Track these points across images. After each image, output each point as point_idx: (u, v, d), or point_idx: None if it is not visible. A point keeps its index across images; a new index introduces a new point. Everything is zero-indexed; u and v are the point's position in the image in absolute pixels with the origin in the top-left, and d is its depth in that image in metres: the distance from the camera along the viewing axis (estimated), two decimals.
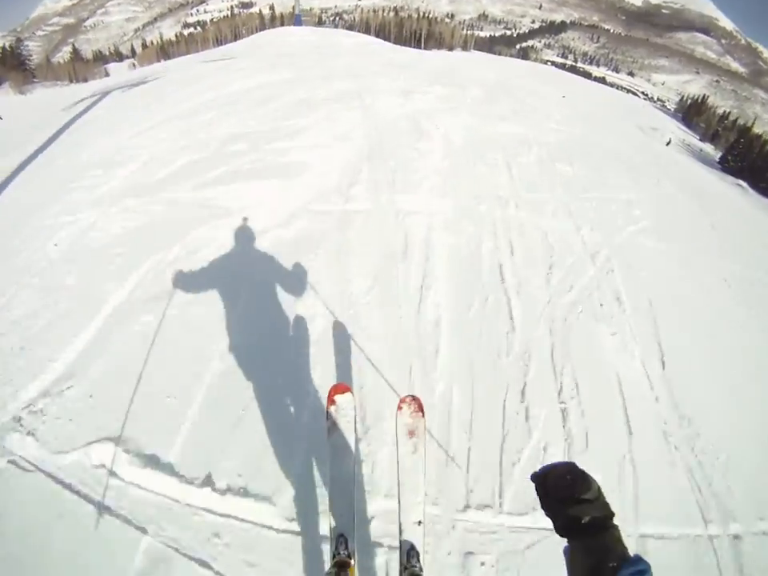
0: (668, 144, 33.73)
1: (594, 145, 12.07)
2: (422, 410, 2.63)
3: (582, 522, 1.08)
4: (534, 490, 1.20)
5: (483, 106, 12.70)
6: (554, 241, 6.57)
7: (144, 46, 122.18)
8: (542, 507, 1.18)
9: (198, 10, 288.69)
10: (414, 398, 2.63)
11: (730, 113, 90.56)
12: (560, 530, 1.14)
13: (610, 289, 5.73)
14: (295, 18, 28.49)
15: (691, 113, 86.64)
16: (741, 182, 36.79)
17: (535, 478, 1.21)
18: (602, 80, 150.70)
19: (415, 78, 13.63)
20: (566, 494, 1.12)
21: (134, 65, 70.49)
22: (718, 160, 53.72)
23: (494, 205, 7.27)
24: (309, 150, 8.20)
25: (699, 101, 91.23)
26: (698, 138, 70.21)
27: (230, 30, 79.55)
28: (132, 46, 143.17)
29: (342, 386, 2.67)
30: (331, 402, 2.62)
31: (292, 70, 12.61)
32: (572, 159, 10.19)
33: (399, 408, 2.62)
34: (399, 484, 2.47)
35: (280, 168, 7.42)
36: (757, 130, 68.71)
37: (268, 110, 10.18)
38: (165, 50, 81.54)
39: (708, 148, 62.78)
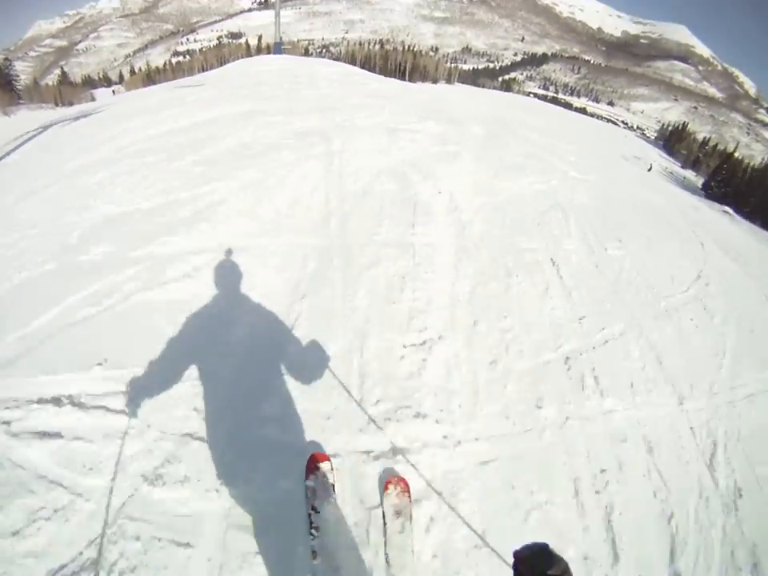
0: (649, 170, 33.67)
1: (621, 200, 9.70)
2: (409, 491, 2.73)
3: None
4: (512, 566, 1.36)
5: (490, 150, 9.41)
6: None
7: (132, 72, 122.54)
8: None
9: (187, 39, 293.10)
10: (401, 479, 2.75)
11: (710, 138, 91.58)
12: None
13: None
14: (275, 47, 27.78)
15: (672, 140, 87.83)
16: (726, 208, 35.39)
17: (515, 555, 1.37)
18: (582, 110, 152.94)
19: (402, 112, 10.73)
20: (538, 570, 1.28)
21: (113, 92, 70.09)
22: (701, 187, 54.09)
23: (565, 408, 4.01)
24: (198, 266, 4.45)
25: (680, 128, 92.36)
26: (679, 164, 71.23)
27: (216, 59, 79.61)
28: (120, 72, 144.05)
29: (321, 455, 2.75)
30: (311, 470, 2.67)
31: (252, 102, 9.86)
32: (617, 234, 7.44)
33: (386, 488, 2.70)
34: (389, 565, 2.48)
35: (122, 328, 3.71)
36: (737, 154, 69.62)
37: (184, 164, 6.61)
38: (151, 77, 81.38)
39: (690, 175, 63.51)
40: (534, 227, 6.72)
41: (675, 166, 66.63)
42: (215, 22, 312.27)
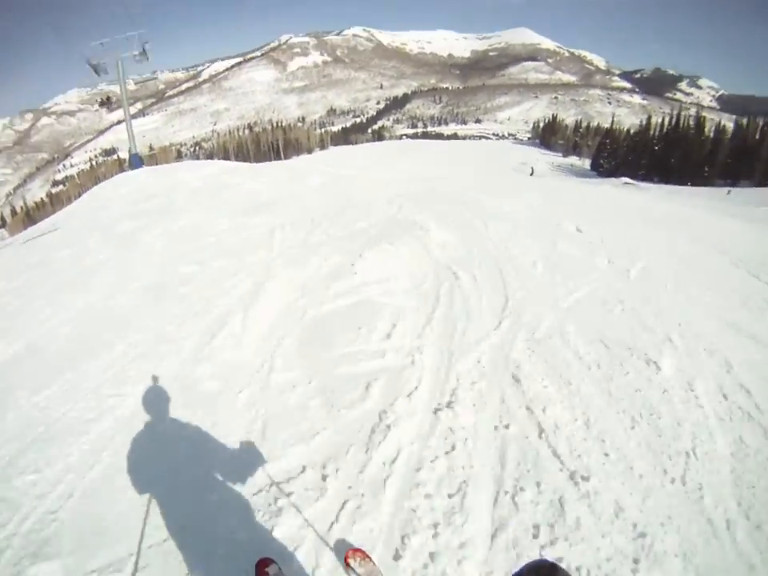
0: (531, 174, 34.69)
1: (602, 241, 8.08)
2: (369, 556, 2.65)
3: None
4: None
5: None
6: None
7: (13, 213, 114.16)
8: None
9: (64, 165, 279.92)
10: (356, 550, 2.68)
11: (580, 120, 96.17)
12: None
13: None
14: (131, 160, 24.39)
15: (546, 135, 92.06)
16: (625, 179, 37.90)
17: (520, 571, 1.32)
18: (453, 136, 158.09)
19: (293, 224, 8.53)
20: None
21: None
22: (590, 168, 56.85)
23: None
24: None
25: (550, 121, 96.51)
26: (561, 155, 74.63)
27: (91, 182, 76.77)
28: (1, 214, 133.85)
29: (268, 560, 2.69)
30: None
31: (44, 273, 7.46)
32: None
33: (347, 564, 2.61)
34: None
35: None
36: (605, 124, 73.30)
37: None
38: (31, 216, 76.75)
39: (574, 160, 66.66)
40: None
41: (558, 158, 69.54)
42: (87, 141, 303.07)
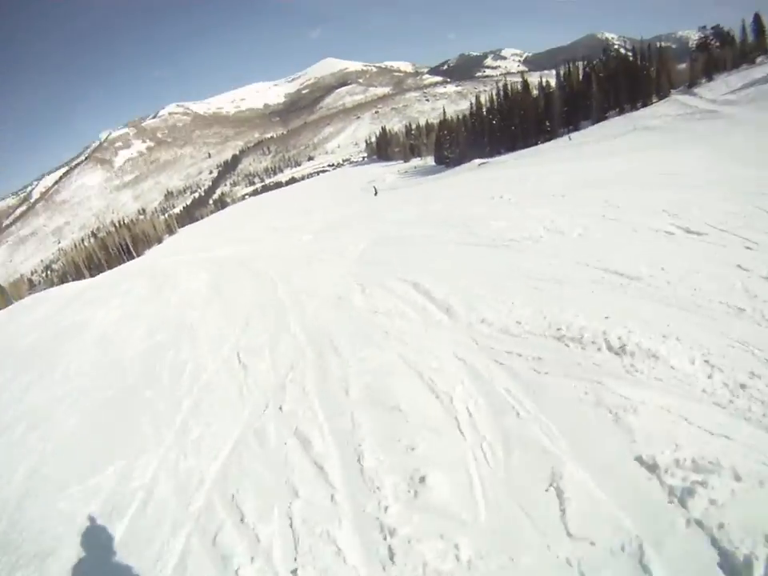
0: (375, 195, 33.11)
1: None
2: None
3: None
4: None
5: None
6: None
7: None
8: None
9: None
10: None
11: (410, 125, 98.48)
12: None
13: None
14: None
15: (381, 148, 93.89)
16: (477, 160, 40.21)
17: None
18: (291, 180, 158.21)
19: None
20: None
21: None
22: (435, 163, 57.21)
23: None
24: None
25: (379, 135, 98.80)
26: (402, 161, 75.59)
27: None
28: None
29: None
30: None
31: None
32: None
33: None
34: None
35: None
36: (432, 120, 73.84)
37: None
38: None
39: (417, 162, 67.78)
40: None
41: (400, 164, 70.33)
42: None
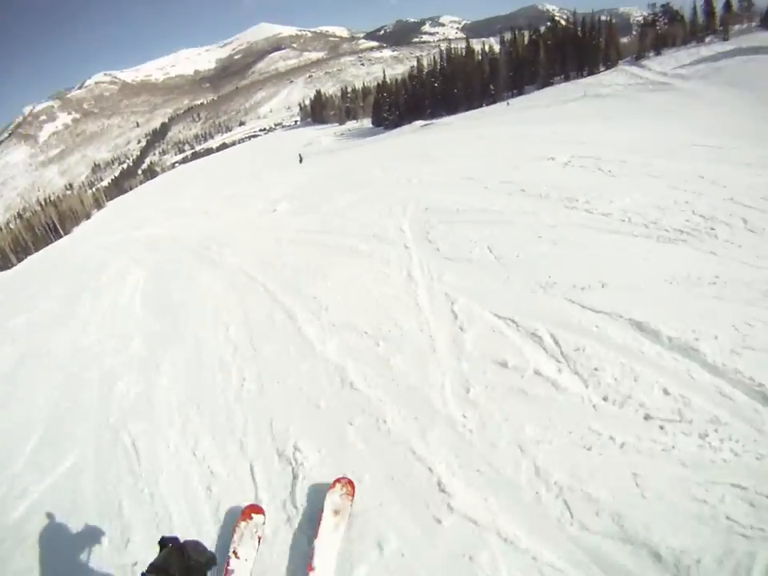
0: (300, 162, 31.00)
1: None
2: (353, 495, 2.96)
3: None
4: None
5: None
6: None
7: None
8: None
9: None
10: (350, 481, 3.02)
11: (347, 88, 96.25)
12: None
13: None
14: None
15: (316, 112, 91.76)
16: (419, 122, 40.09)
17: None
18: (222, 146, 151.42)
19: None
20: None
21: None
22: (373, 125, 56.25)
23: None
24: None
25: (314, 98, 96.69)
26: (337, 124, 74.79)
27: None
28: None
29: (256, 507, 3.05)
30: (244, 518, 2.96)
31: None
32: None
33: (332, 486, 2.99)
34: (314, 554, 2.67)
35: None
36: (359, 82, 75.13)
37: None
38: None
39: (353, 125, 66.69)
40: None
41: (335, 127, 69.47)
42: None
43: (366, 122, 60.97)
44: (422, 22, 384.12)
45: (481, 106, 43.12)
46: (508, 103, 36.24)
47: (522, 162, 10.16)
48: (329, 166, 21.27)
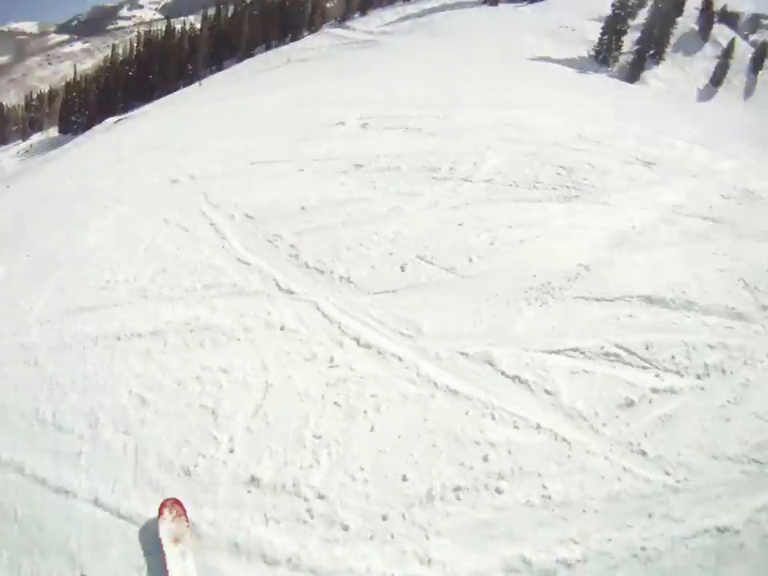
0: None
1: None
2: (185, 514, 2.60)
3: None
4: None
5: None
6: None
7: None
8: None
9: None
10: (176, 502, 2.63)
11: (30, 94, 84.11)
12: None
13: None
14: None
15: None
16: (110, 119, 34.41)
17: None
18: None
19: None
20: None
21: None
22: (61, 134, 48.30)
23: None
24: None
25: None
26: (20, 141, 62.74)
27: None
28: None
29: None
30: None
31: None
32: None
33: (160, 513, 2.58)
34: None
35: None
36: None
37: None
38: None
39: (39, 138, 57.03)
40: None
41: (18, 146, 57.73)
42: None
43: (53, 132, 52.90)
44: (120, 6, 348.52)
45: (177, 88, 39.78)
46: (200, 84, 33.78)
47: (310, 129, 8.63)
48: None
